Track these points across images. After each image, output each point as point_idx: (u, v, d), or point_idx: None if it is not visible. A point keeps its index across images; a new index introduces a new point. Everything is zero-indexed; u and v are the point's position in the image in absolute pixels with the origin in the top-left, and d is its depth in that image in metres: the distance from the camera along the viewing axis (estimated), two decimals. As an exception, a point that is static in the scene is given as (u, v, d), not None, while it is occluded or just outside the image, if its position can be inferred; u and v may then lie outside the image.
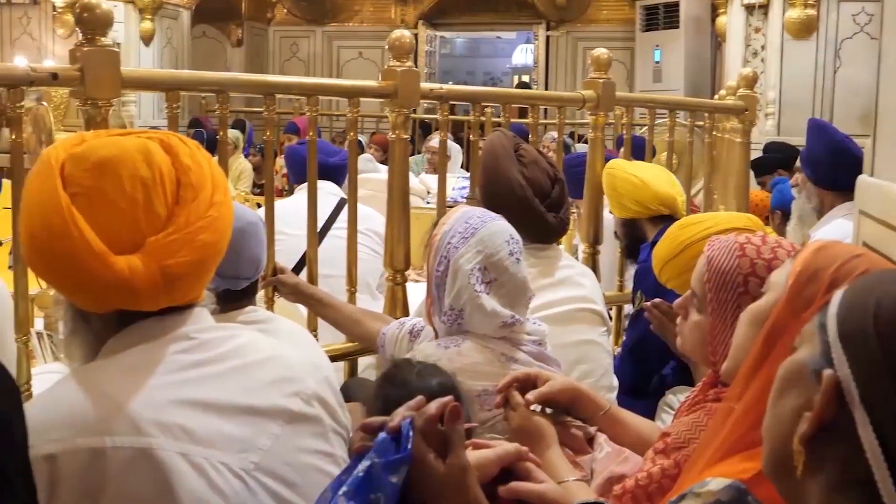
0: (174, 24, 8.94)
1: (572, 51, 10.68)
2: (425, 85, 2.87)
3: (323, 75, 10.76)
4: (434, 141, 6.88)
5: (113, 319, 1.23)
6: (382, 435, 1.14)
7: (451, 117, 3.19)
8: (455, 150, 7.07)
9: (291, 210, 2.98)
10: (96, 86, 2.15)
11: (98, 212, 1.17)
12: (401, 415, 1.17)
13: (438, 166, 3.01)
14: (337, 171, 3.43)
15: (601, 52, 3.35)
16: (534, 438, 1.62)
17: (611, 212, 3.23)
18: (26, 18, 7.98)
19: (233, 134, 6.92)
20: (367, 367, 2.77)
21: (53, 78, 2.15)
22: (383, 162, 6.95)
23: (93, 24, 2.16)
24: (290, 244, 2.97)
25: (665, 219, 2.87)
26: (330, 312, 2.36)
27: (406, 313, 2.66)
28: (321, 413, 1.31)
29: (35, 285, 2.27)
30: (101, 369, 1.21)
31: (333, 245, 2.99)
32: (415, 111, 3.51)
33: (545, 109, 6.54)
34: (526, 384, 1.73)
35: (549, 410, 1.75)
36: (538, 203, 2.43)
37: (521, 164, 2.50)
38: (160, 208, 1.21)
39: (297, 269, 2.93)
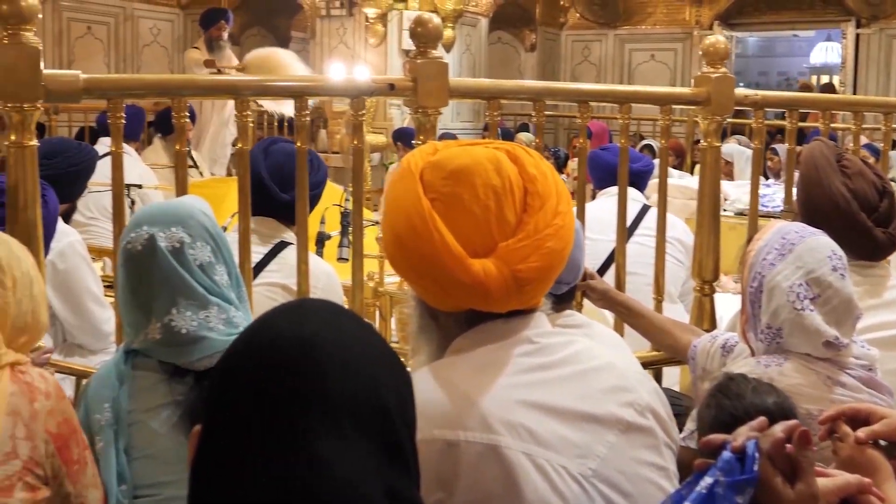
0: (473, 32, 9.31)
1: (886, 50, 9.84)
2: (740, 91, 2.79)
3: (614, 79, 10.74)
4: (723, 147, 6.62)
5: (462, 319, 1.32)
6: (727, 454, 1.13)
7: (767, 122, 3.05)
8: (744, 155, 6.78)
9: (596, 215, 3.00)
10: (427, 95, 2.29)
11: (455, 217, 1.26)
12: (744, 435, 1.15)
13: (751, 177, 2.91)
14: (639, 177, 3.42)
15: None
16: (867, 471, 1.52)
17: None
18: (342, 29, 8.65)
19: (527, 137, 7.09)
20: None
21: (391, 88, 2.32)
22: (675, 167, 6.81)
23: (425, 38, 2.31)
24: (594, 248, 2.99)
25: None
26: (639, 321, 2.36)
27: (713, 325, 2.60)
28: (654, 425, 1.31)
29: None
30: (454, 366, 1.29)
31: (636, 251, 2.98)
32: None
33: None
34: (856, 419, 1.62)
35: (883, 443, 1.64)
36: (864, 217, 2.28)
37: (845, 175, 2.37)
38: (510, 215, 1.27)
39: (599, 272, 2.96)
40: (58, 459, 1.46)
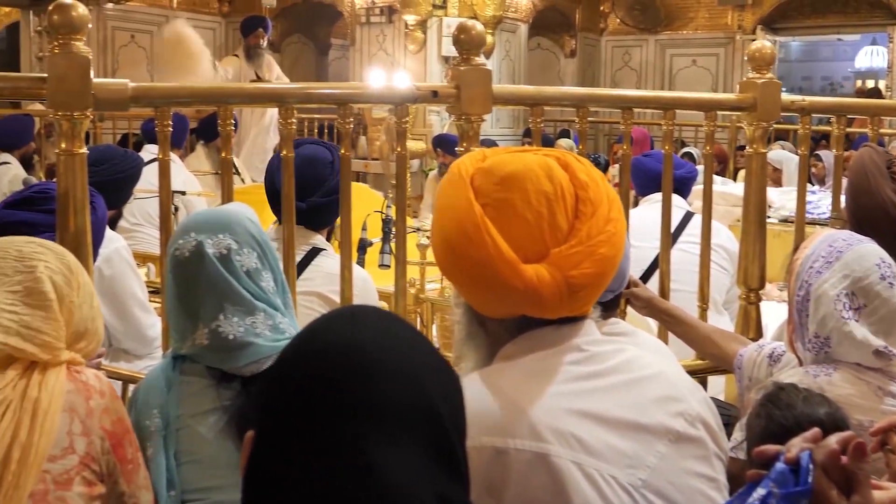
0: (512, 38, 9.31)
1: (933, 53, 9.69)
2: (786, 96, 2.76)
3: (655, 85, 10.67)
4: (771, 153, 6.54)
5: (512, 326, 1.31)
6: (780, 465, 1.11)
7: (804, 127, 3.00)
8: (794, 161, 6.69)
9: (639, 222, 2.98)
10: (470, 102, 2.30)
11: (507, 222, 1.26)
12: (798, 446, 1.13)
13: (798, 184, 2.87)
14: (683, 184, 3.38)
15: None
16: (922, 483, 1.50)
17: None
18: (382, 36, 8.70)
19: (567, 143, 7.07)
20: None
21: (434, 96, 2.33)
22: (718, 173, 6.74)
23: (468, 45, 2.31)
24: (637, 256, 2.96)
25: None
26: (683, 329, 2.34)
27: (759, 334, 2.57)
28: (704, 436, 1.29)
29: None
30: (503, 373, 1.28)
31: (679, 258, 2.95)
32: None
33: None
34: None
35: (937, 455, 1.61)
36: (915, 225, 2.25)
37: (895, 182, 2.33)
38: (562, 221, 1.27)
39: (643, 280, 2.93)
40: (113, 457, 1.49)
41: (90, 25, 1.98)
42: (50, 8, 1.92)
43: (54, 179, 2.01)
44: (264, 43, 7.56)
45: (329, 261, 2.38)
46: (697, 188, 3.54)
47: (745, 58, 2.71)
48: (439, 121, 8.19)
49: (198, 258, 1.59)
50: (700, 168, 5.20)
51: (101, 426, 1.48)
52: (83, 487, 1.44)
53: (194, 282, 1.60)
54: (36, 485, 1.39)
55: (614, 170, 6.68)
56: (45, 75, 1.93)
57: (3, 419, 1.39)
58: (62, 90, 1.92)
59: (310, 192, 2.26)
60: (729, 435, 1.73)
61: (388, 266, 3.05)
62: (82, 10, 1.93)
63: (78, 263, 1.59)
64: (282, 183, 2.16)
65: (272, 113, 7.15)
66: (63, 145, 1.94)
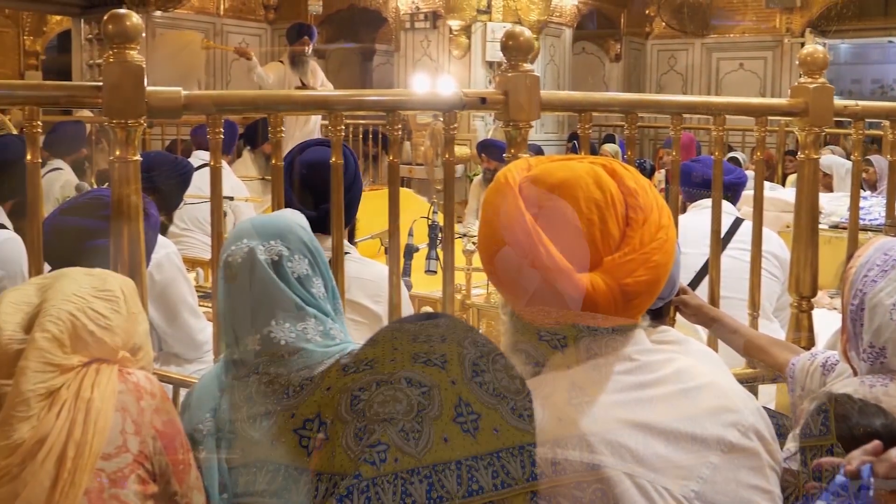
0: (557, 42, 9.29)
1: None
2: (838, 101, 2.71)
3: (701, 89, 10.57)
4: (821, 159, 6.43)
5: (562, 335, 1.30)
6: (840, 478, 1.09)
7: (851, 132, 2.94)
8: (844, 167, 6.58)
9: (687, 228, 2.94)
10: (518, 108, 2.29)
11: (558, 231, 1.25)
12: (858, 459, 1.12)
13: (851, 191, 2.82)
14: (731, 190, 3.34)
15: None
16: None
17: None
18: (426, 41, 8.74)
19: (612, 149, 7.02)
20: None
21: (482, 102, 2.32)
22: (765, 178, 6.65)
23: (516, 51, 2.30)
24: (685, 262, 2.93)
25: None
26: (734, 337, 2.31)
27: (812, 342, 2.53)
28: (758, 447, 1.28)
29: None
30: (553, 383, 1.28)
31: (729, 265, 2.91)
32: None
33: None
34: None
35: None
36: (974, 232, 2.19)
37: (952, 187, 2.29)
38: (614, 229, 1.26)
39: (691, 286, 2.90)
40: (164, 457, 1.51)
41: (143, 34, 2.01)
42: (105, 18, 1.95)
43: (105, 185, 2.02)
44: (309, 50, 7.62)
45: (352, 265, 2.32)
46: (747, 193, 3.50)
47: (796, 61, 2.67)
48: (483, 126, 8.20)
49: (250, 264, 1.61)
50: (749, 173, 5.14)
51: (152, 426, 1.51)
52: (138, 485, 1.46)
53: (246, 288, 1.61)
54: (91, 482, 1.41)
55: (660, 175, 6.62)
56: (100, 83, 1.96)
57: (58, 418, 1.43)
58: (117, 98, 1.95)
59: (320, 197, 2.22)
60: (781, 445, 1.70)
61: (435, 272, 3.06)
62: (136, 19, 1.96)
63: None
64: (331, 190, 2.15)
65: (316, 118, 7.21)
66: (117, 152, 1.97)
